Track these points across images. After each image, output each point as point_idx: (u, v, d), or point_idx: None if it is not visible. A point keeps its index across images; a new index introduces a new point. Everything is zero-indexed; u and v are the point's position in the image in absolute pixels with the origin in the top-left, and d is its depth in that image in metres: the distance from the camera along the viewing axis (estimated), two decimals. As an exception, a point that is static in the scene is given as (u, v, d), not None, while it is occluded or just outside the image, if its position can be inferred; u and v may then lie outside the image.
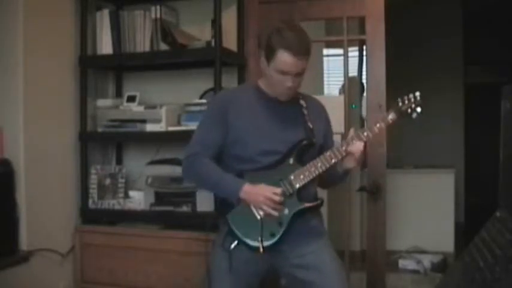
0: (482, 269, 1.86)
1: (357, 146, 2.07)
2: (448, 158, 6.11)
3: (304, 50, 2.02)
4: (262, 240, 2.06)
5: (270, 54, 2.03)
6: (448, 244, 5.03)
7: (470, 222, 5.80)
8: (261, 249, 2.06)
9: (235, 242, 2.10)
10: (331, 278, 2.12)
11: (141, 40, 3.11)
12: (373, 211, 2.94)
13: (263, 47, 2.07)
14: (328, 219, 4.12)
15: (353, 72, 5.52)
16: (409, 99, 2.08)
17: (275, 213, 2.05)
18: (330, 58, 5.55)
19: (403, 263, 4.76)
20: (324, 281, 2.10)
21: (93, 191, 3.17)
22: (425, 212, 5.11)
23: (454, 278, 2.24)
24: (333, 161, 2.08)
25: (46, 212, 2.95)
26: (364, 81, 5.16)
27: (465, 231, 5.56)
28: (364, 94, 3.54)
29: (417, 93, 2.08)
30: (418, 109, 2.07)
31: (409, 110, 2.07)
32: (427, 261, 4.72)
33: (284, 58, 2.00)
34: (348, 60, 3.04)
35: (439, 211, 5.12)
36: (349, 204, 3.04)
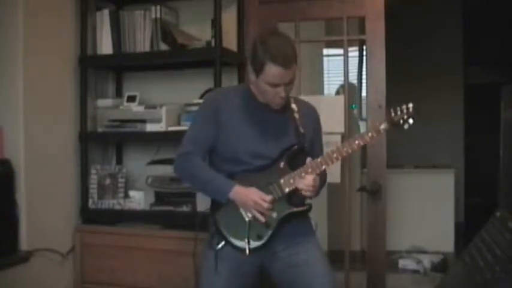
0: (482, 269, 1.86)
1: (306, 181, 2.05)
2: (448, 158, 6.12)
3: (291, 59, 2.00)
4: (249, 242, 2.06)
5: (258, 68, 2.01)
6: (448, 244, 5.04)
7: (470, 222, 5.81)
8: (247, 251, 2.06)
9: (223, 242, 2.10)
10: (320, 272, 2.12)
11: (141, 40, 3.11)
12: (373, 211, 2.94)
13: (250, 60, 2.05)
14: (328, 219, 4.13)
15: (353, 71, 5.52)
16: (401, 110, 2.06)
17: (262, 219, 2.04)
18: (330, 58, 5.56)
19: (403, 263, 4.75)
20: (312, 275, 2.10)
21: (93, 191, 3.17)
22: (425, 212, 5.11)
23: (454, 278, 2.24)
24: (323, 167, 2.07)
25: (46, 212, 2.95)
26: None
27: (465, 231, 5.57)
28: (364, 94, 3.54)
29: (410, 105, 2.05)
30: (410, 120, 2.05)
31: (401, 121, 2.05)
32: (427, 261, 4.71)
33: (273, 71, 1.98)
34: (348, 60, 3.04)
35: (439, 211, 5.13)
36: (349, 204, 3.04)
